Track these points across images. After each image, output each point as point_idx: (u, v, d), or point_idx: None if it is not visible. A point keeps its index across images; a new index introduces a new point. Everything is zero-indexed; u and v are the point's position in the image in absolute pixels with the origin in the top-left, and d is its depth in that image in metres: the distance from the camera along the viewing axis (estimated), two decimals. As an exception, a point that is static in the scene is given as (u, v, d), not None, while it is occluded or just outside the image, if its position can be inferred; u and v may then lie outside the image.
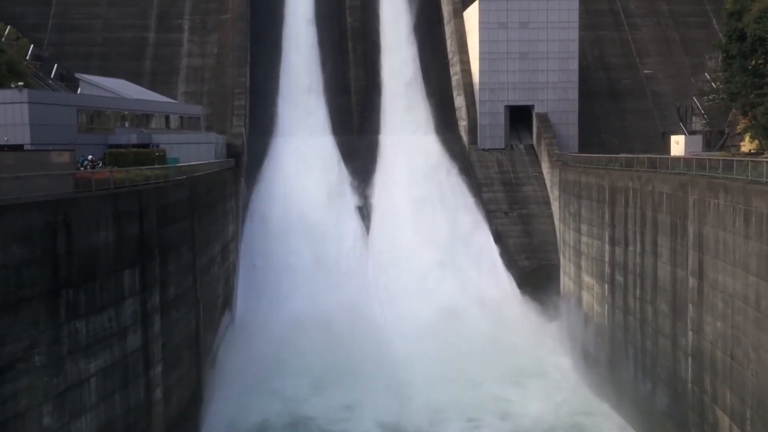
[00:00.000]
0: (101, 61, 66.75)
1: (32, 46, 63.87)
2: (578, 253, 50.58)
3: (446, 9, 72.53)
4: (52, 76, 62.44)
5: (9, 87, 42.61)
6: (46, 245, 23.80)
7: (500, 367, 46.63)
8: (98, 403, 26.63)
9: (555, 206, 59.05)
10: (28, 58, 61.13)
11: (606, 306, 44.86)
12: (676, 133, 62.91)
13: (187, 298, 37.30)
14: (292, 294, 54.99)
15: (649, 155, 42.85)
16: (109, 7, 71.21)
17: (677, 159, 38.50)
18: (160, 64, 68.44)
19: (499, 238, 59.59)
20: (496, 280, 57.90)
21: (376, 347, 48.61)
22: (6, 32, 60.85)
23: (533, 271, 57.78)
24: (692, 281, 33.50)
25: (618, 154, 49.74)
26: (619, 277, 42.65)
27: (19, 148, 37.36)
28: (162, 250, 32.96)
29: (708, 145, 60.82)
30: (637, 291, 39.90)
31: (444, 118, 68.46)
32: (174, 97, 64.12)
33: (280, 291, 55.36)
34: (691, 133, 64.46)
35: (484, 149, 64.99)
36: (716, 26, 73.47)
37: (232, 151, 59.04)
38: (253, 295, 55.34)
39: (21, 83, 43.75)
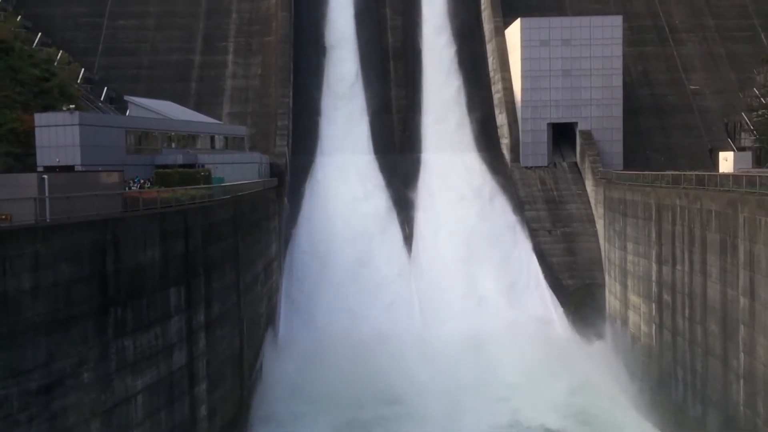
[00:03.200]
0: (148, 83, 68.35)
1: (83, 69, 65.74)
2: (624, 272, 49.69)
3: (487, 27, 72.57)
4: (102, 98, 64.12)
5: (61, 110, 43.89)
6: (94, 263, 24.31)
7: (544, 391, 45.80)
8: (144, 420, 26.97)
9: (599, 224, 58.20)
10: (79, 81, 62.93)
11: (653, 326, 43.89)
12: (723, 149, 61.62)
13: (231, 316, 37.66)
14: (335, 313, 54.98)
15: (696, 172, 42.03)
16: (156, 31, 72.99)
17: (726, 176, 37.67)
18: (205, 86, 69.77)
19: (542, 256, 58.90)
20: (539, 299, 57.13)
21: (418, 369, 48.17)
22: (58, 57, 62.76)
23: (577, 291, 56.93)
24: (743, 301, 32.60)
25: (664, 171, 48.89)
26: (666, 297, 41.73)
27: (70, 169, 38.40)
28: (207, 268, 33.39)
29: (758, 162, 59.41)
30: (686, 311, 38.97)
31: (486, 136, 68.24)
32: (219, 118, 65.24)
33: (322, 310, 55.45)
34: (740, 149, 63.07)
35: (526, 167, 64.54)
36: (764, 41, 72.14)
37: (275, 170, 59.69)
38: (295, 314, 55.55)
39: (72, 106, 45.06)
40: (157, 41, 72.33)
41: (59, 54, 63.59)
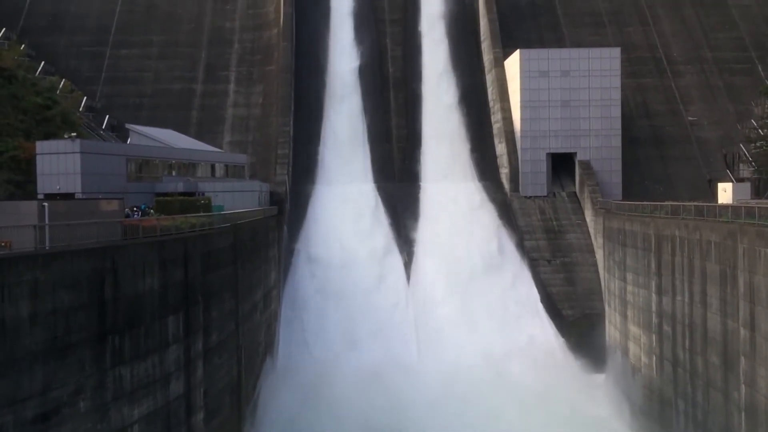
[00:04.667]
0: (150, 111, 68.80)
1: (85, 98, 66.23)
2: (624, 303, 49.55)
3: (487, 58, 73.26)
4: (103, 126, 64.49)
5: (63, 137, 44.13)
6: (93, 291, 24.26)
7: (545, 422, 45.37)
8: (140, 450, 26.71)
9: (599, 254, 58.16)
10: (81, 109, 63.37)
11: (654, 357, 43.65)
12: (722, 180, 61.81)
13: (230, 345, 37.46)
14: (333, 342, 54.74)
15: (695, 203, 42.12)
16: (159, 60, 73.66)
17: (725, 207, 37.74)
18: (206, 114, 70.22)
19: (541, 286, 58.77)
20: (539, 329, 56.86)
21: (416, 398, 47.78)
22: (61, 85, 63.27)
23: (577, 321, 56.70)
24: (744, 332, 32.47)
25: (663, 201, 48.99)
26: (667, 328, 41.57)
27: (70, 196, 38.49)
28: (206, 296, 33.31)
29: (757, 193, 59.56)
30: (686, 342, 38.79)
31: (485, 165, 68.53)
32: (220, 146, 65.56)
33: (321, 339, 55.20)
34: (739, 180, 63.26)
35: (526, 196, 64.69)
36: (761, 73, 72.75)
37: (275, 199, 59.83)
38: (294, 343, 55.28)
39: (74, 134, 45.33)
40: (160, 70, 72.93)
41: (62, 82, 64.13)
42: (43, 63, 66.75)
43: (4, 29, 68.39)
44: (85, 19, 75.58)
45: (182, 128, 65.22)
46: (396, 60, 74.81)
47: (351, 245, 60.34)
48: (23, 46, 67.51)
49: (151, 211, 40.38)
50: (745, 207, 35.33)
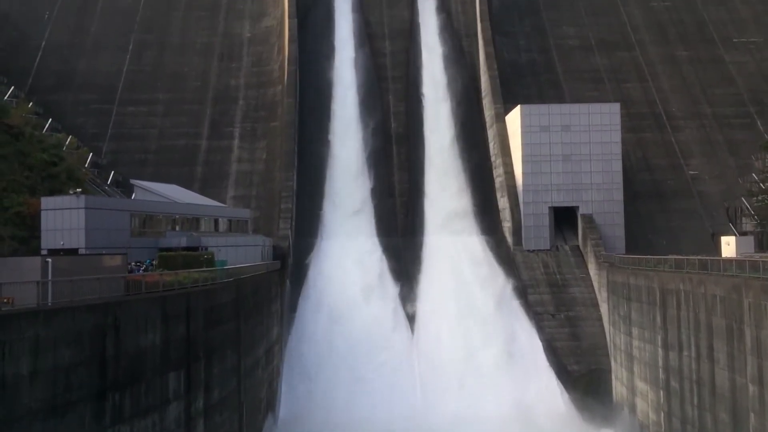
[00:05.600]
0: (155, 167, 69.38)
1: (91, 154, 66.88)
2: (630, 358, 48.98)
3: (488, 114, 74.17)
4: (108, 182, 64.98)
5: (68, 193, 44.43)
6: (95, 347, 24.09)
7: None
8: None
9: (604, 308, 57.77)
10: (87, 165, 63.95)
11: (662, 414, 42.92)
12: (725, 233, 61.82)
13: (231, 402, 36.96)
14: (336, 398, 54.01)
15: (699, 257, 42.00)
16: (165, 116, 74.67)
17: (729, 261, 37.64)
18: (210, 170, 70.77)
19: (546, 340, 58.19)
20: (544, 385, 56.06)
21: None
22: (68, 142, 64.01)
23: (583, 376, 55.96)
24: (752, 388, 31.99)
25: (666, 255, 48.88)
26: (674, 384, 40.99)
27: (74, 252, 38.53)
28: (207, 352, 33.02)
29: (760, 246, 59.46)
30: (695, 398, 38.19)
31: (488, 219, 68.67)
32: (223, 201, 65.89)
33: (323, 395, 54.46)
34: (742, 233, 63.23)
35: (529, 250, 64.61)
36: (760, 127, 73.41)
37: (278, 253, 59.83)
38: (296, 399, 54.52)
39: (79, 189, 45.64)
40: (165, 126, 73.85)
41: (68, 139, 64.86)
42: (50, 120, 67.65)
43: (12, 87, 69.56)
44: (93, 77, 76.94)
45: (186, 183, 65.67)
46: (398, 116, 75.76)
47: (354, 300, 60.04)
48: (31, 103, 68.55)
49: (154, 264, 40.39)
50: (749, 261, 35.26)
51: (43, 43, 79.72)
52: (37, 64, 77.59)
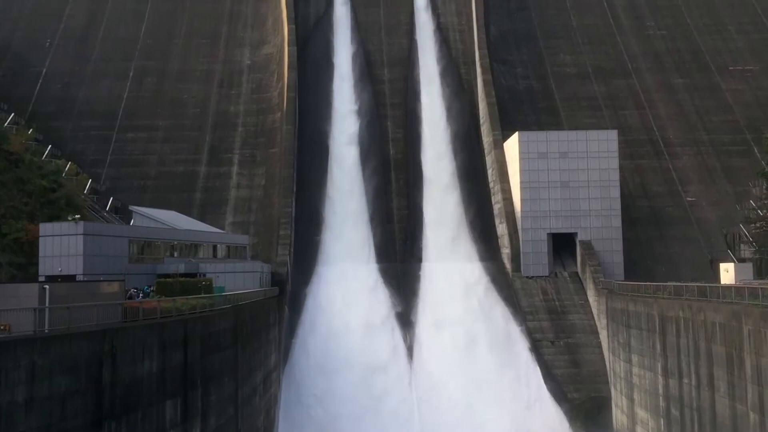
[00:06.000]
0: (154, 193, 69.50)
1: (90, 180, 67.03)
2: (630, 385, 48.67)
3: (486, 140, 74.52)
4: (107, 208, 65.02)
5: (66, 219, 44.44)
6: (91, 375, 23.91)
7: None
8: None
9: (603, 335, 57.53)
10: (86, 191, 64.06)
11: (662, 442, 42.57)
12: (724, 260, 61.75)
13: (228, 430, 36.61)
14: (334, 427, 53.56)
15: (698, 283, 41.93)
16: (164, 143, 74.93)
17: (728, 288, 37.57)
18: (209, 196, 70.87)
19: (545, 368, 57.88)
20: (544, 413, 55.67)
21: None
22: (67, 168, 64.16)
23: (583, 404, 55.57)
24: (753, 416, 31.74)
25: (665, 281, 48.81)
26: (675, 412, 40.68)
27: (71, 278, 38.43)
28: (205, 379, 32.79)
29: (759, 273, 59.36)
30: (695, 427, 37.89)
31: (486, 245, 68.64)
32: (222, 227, 65.88)
33: (321, 424, 54.03)
34: (740, 260, 63.19)
35: (527, 277, 64.51)
36: (757, 154, 73.67)
37: (276, 279, 59.65)
38: (294, 427, 54.06)
39: (77, 216, 45.64)
40: (165, 153, 74.08)
41: (68, 165, 65.03)
42: (50, 147, 67.89)
43: (12, 114, 69.91)
44: (93, 104, 77.39)
45: (185, 209, 65.72)
46: (397, 142, 76.09)
47: (352, 326, 59.79)
48: (31, 130, 68.83)
49: (152, 290, 40.25)
50: (748, 288, 35.18)
51: (44, 70, 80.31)
52: (37, 91, 78.08)
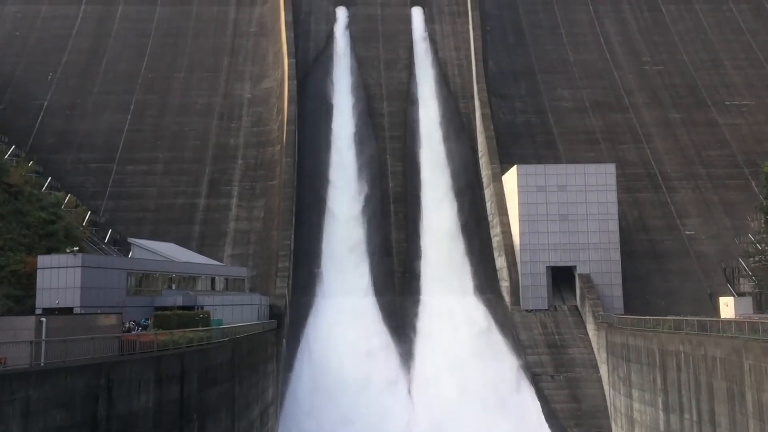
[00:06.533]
0: (153, 225, 69.52)
1: (89, 212, 67.03)
2: (631, 421, 48.18)
3: (485, 173, 74.80)
4: (106, 240, 64.95)
5: (65, 252, 44.35)
6: (86, 410, 23.69)
7: None
8: None
9: (603, 369, 57.11)
10: (85, 223, 63.99)
11: (664, 479, 42.00)
12: (723, 294, 61.62)
13: (224, 466, 36.17)
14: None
15: (698, 318, 41.78)
16: (164, 175, 75.16)
17: (728, 322, 37.41)
18: (208, 228, 70.86)
19: (545, 402, 57.35)
20: (544, 448, 55.06)
21: None
22: (66, 200, 64.22)
23: (584, 440, 54.94)
24: (756, 453, 31.41)
25: (665, 315, 48.63)
26: (676, 448, 40.23)
27: (68, 311, 38.26)
28: (201, 413, 32.46)
29: (759, 307, 59.20)
30: (697, 463, 37.44)
31: (485, 279, 68.49)
32: (221, 259, 65.77)
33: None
34: (740, 294, 63.03)
35: (527, 310, 64.23)
36: (755, 189, 73.94)
37: (274, 312, 59.41)
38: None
39: (76, 248, 45.57)
40: (164, 185, 74.25)
41: (67, 197, 65.11)
42: (50, 179, 68.05)
43: (13, 147, 70.20)
44: (94, 136, 77.81)
45: (184, 242, 65.66)
46: (396, 175, 76.36)
47: (350, 360, 59.34)
48: (31, 162, 69.02)
49: (149, 323, 40.05)
50: (748, 322, 35.05)
51: (46, 103, 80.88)
52: (38, 123, 78.55)
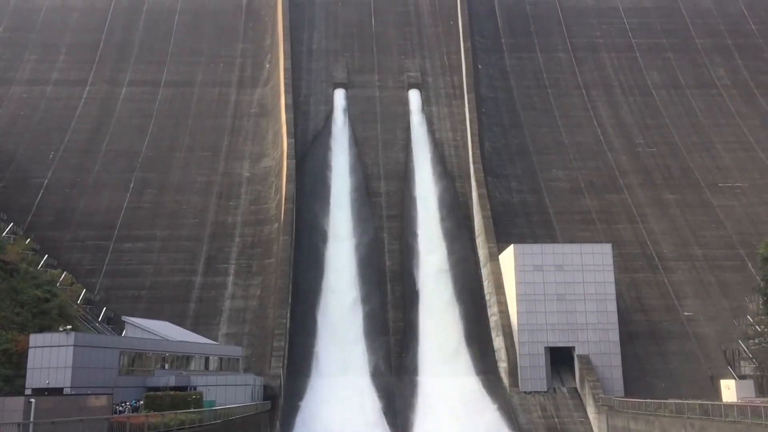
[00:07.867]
0: (148, 303, 69.05)
1: (84, 290, 66.71)
2: None
3: (482, 252, 74.89)
4: (99, 318, 64.38)
5: (57, 330, 43.90)
6: (72, 496, 22.96)
7: None
8: None
9: (604, 455, 55.71)
10: (79, 301, 63.60)
11: None
12: (724, 376, 60.78)
13: None
14: None
15: (700, 401, 41.12)
16: (161, 253, 75.14)
17: (730, 406, 36.81)
18: (204, 306, 70.36)
19: (546, 490, 55.68)
20: None
21: None
22: (62, 278, 64.02)
23: None
24: None
25: (666, 398, 47.84)
26: None
27: (59, 391, 37.58)
28: (190, 501, 31.45)
29: (760, 390, 58.29)
30: None
31: (483, 359, 67.61)
32: (215, 338, 65.02)
33: None
34: (741, 377, 62.16)
35: (525, 392, 63.11)
36: (751, 270, 73.95)
37: (268, 393, 58.34)
38: None
39: (69, 327, 45.12)
40: (161, 263, 74.14)
41: (63, 275, 64.92)
42: (46, 256, 68.00)
43: (11, 224, 70.44)
44: (92, 214, 78.19)
45: (179, 320, 65.09)
46: (393, 254, 76.43)
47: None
48: (29, 240, 69.14)
49: (140, 404, 39.24)
50: (750, 406, 34.51)
51: (46, 181, 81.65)
52: (38, 201, 79.08)
